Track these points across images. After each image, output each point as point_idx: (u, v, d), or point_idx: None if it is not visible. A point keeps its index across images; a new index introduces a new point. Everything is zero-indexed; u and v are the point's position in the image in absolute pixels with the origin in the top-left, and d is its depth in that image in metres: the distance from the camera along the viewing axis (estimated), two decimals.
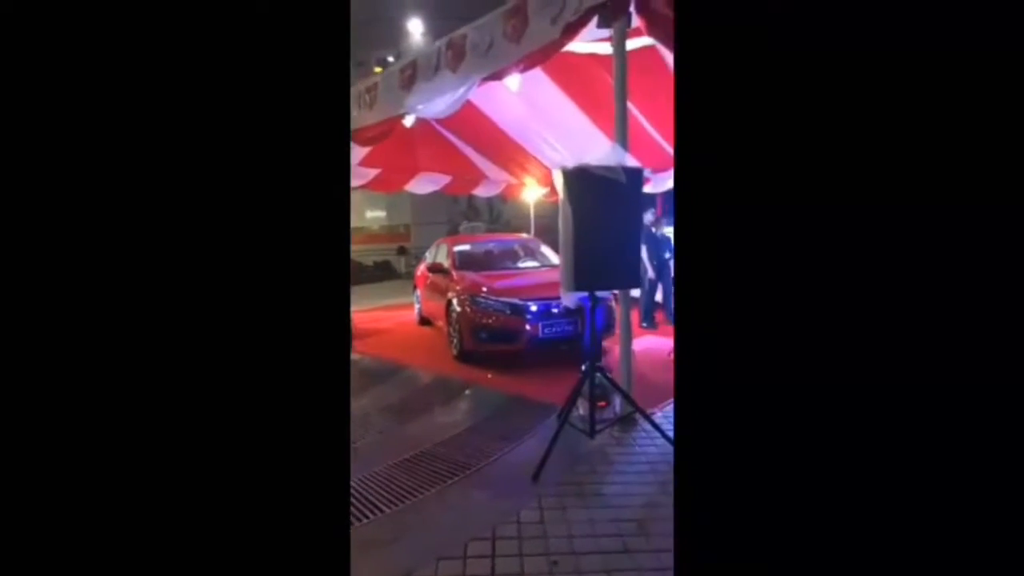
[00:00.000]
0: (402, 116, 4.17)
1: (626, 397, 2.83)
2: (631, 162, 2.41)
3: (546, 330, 4.19)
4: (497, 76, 3.43)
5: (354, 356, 4.95)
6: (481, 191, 8.64)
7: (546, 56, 3.18)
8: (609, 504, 2.14)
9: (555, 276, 4.50)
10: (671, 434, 2.79)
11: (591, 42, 3.69)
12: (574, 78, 4.81)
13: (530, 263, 5.36)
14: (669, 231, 5.66)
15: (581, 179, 2.31)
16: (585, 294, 2.54)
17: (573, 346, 4.12)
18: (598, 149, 5.84)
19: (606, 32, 3.04)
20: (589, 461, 2.53)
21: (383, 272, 13.51)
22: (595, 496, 2.20)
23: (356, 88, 4.58)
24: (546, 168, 7.66)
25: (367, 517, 2.11)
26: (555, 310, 4.21)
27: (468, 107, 5.73)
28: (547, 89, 5.10)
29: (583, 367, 2.77)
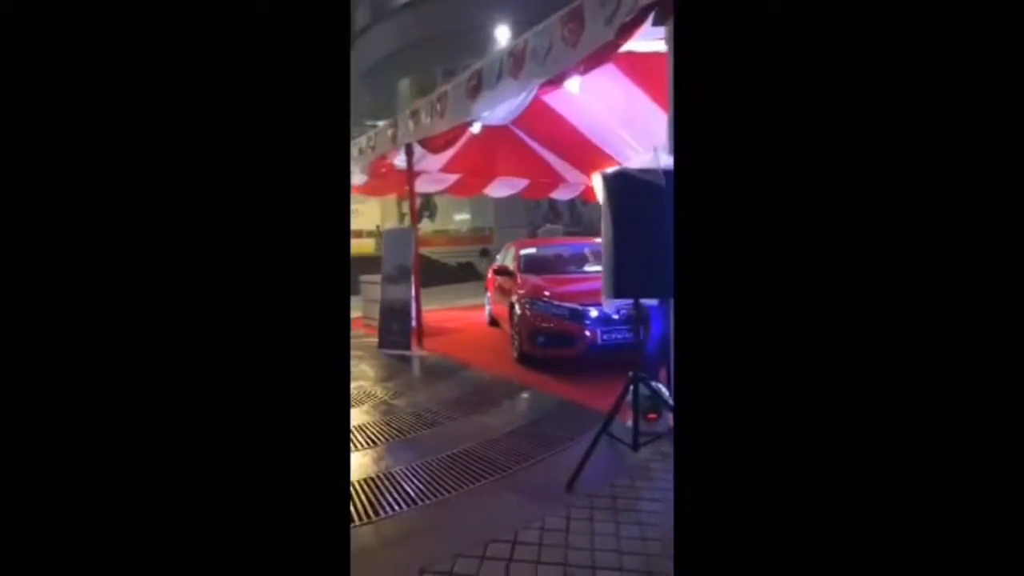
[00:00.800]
0: (470, 123, 4.31)
1: (670, 409, 2.70)
2: (671, 164, 2.30)
3: (605, 336, 4.11)
4: (557, 81, 3.43)
5: (422, 354, 5.18)
6: (559, 194, 8.65)
7: (603, 58, 3.13)
8: (640, 521, 2.06)
9: None
10: None
11: (655, 40, 3.58)
12: (652, 77, 4.68)
13: (597, 268, 5.27)
14: None
15: (621, 183, 2.25)
16: (629, 301, 2.46)
17: (637, 354, 3.99)
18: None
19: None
20: (629, 475, 2.45)
21: (466, 273, 13.94)
22: (627, 511, 2.13)
23: (429, 98, 4.80)
24: None
25: (398, 508, 2.20)
26: (615, 316, 4.11)
27: (545, 110, 5.81)
28: (626, 89, 5.01)
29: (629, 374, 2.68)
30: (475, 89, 4.08)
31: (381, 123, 5.77)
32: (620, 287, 2.33)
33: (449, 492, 2.32)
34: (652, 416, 2.93)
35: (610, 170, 2.28)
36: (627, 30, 2.87)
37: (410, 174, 5.41)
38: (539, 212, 14.79)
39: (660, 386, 3.04)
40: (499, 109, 3.89)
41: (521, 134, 7.11)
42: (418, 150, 5.27)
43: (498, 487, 2.38)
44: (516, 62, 3.62)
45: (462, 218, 17.42)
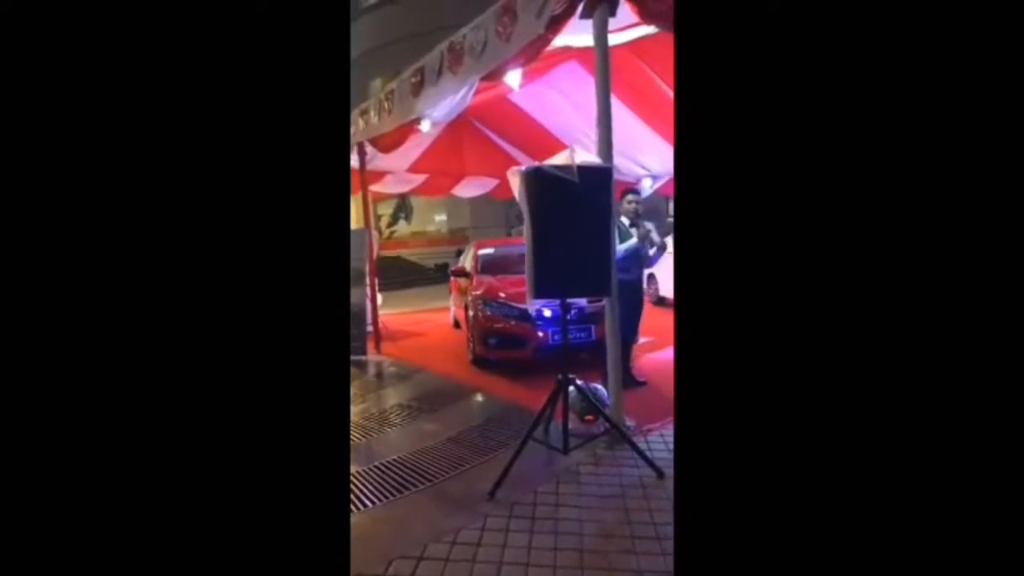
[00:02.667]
0: (416, 121, 4.20)
1: (600, 413, 2.64)
2: (592, 161, 2.23)
3: (556, 337, 4.04)
4: (494, 76, 3.35)
5: (378, 359, 5.07)
6: None
7: (537, 52, 3.05)
8: (557, 530, 1.98)
9: None
10: (660, 455, 2.56)
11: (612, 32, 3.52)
12: (617, 73, 4.64)
13: None
14: None
15: (537, 180, 2.17)
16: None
17: (593, 354, 3.93)
18: (647, 145, 5.55)
19: (624, 21, 2.88)
20: (556, 480, 2.38)
21: (442, 274, 13.80)
22: (546, 520, 2.05)
23: (376, 96, 4.69)
24: None
25: None
26: (568, 316, 4.04)
27: (513, 109, 5.74)
28: (588, 85, 4.96)
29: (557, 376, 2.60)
30: (418, 86, 3.98)
31: None
32: (540, 287, 2.25)
33: (368, 504, 2.23)
34: (589, 418, 2.87)
35: (526, 167, 2.20)
36: (556, 23, 2.80)
37: (362, 174, 5.30)
38: (514, 212, 14.71)
39: (598, 387, 2.98)
40: (442, 106, 3.80)
41: (489, 132, 7.03)
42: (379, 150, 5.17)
43: (420, 498, 2.29)
44: (455, 58, 3.54)
45: (441, 219, 17.28)
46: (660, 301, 7.51)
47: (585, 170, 2.15)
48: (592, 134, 5.88)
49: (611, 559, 1.79)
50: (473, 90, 3.54)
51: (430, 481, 2.43)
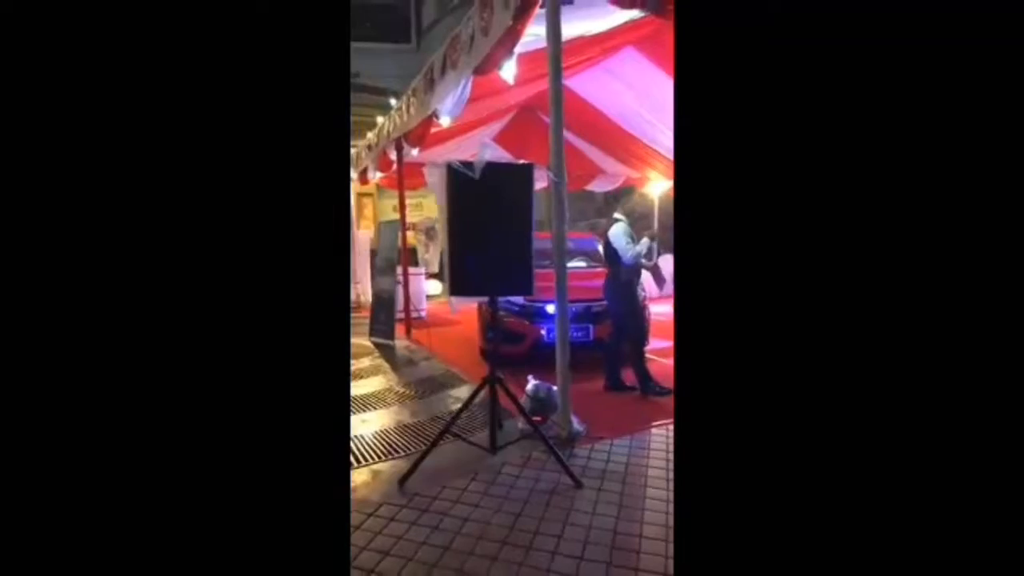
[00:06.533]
0: (433, 116, 4.31)
1: (523, 413, 2.56)
2: (502, 158, 2.17)
3: (554, 334, 3.95)
4: (485, 70, 3.34)
5: (404, 343, 5.32)
6: (597, 186, 8.34)
7: (512, 45, 2.99)
8: (439, 526, 1.99)
9: (590, 279, 4.23)
10: (596, 465, 2.45)
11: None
12: (665, 51, 4.41)
13: (578, 264, 5.05)
14: None
15: (450, 178, 2.16)
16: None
17: (592, 354, 3.81)
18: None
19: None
20: (473, 477, 2.37)
21: None
22: (435, 514, 2.07)
23: (406, 93, 4.87)
24: (668, 160, 7.08)
25: None
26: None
27: (574, 97, 5.63)
28: (647, 71, 4.76)
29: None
30: (431, 82, 4.08)
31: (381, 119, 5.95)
32: (455, 284, 2.25)
33: None
34: (538, 419, 2.79)
35: (440, 162, 2.20)
36: (522, 13, 2.73)
37: (399, 168, 5.53)
38: (594, 206, 14.36)
39: (552, 388, 2.89)
40: (447, 101, 3.86)
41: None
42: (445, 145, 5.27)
43: None
44: (453, 53, 3.58)
45: None
46: None
47: (499, 168, 2.10)
48: (651, 118, 5.57)
49: (468, 562, 1.77)
50: (469, 84, 3.55)
51: (355, 466, 2.54)
